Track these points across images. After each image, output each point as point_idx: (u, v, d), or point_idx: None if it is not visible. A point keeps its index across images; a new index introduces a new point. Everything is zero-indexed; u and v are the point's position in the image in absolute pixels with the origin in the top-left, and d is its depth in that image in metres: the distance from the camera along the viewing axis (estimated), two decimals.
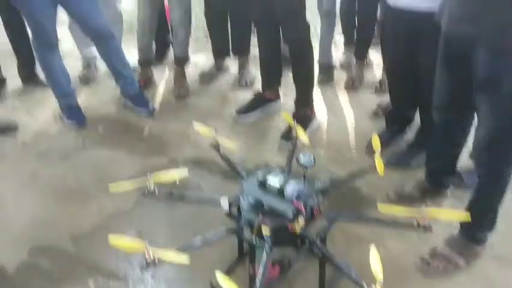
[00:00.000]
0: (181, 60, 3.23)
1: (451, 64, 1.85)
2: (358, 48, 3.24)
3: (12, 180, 2.46)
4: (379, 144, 1.84)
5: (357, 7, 3.17)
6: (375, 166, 1.74)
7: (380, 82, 3.14)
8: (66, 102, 2.89)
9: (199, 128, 1.98)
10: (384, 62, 3.06)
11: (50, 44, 2.70)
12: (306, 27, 2.61)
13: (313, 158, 1.70)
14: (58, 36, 2.72)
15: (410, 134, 2.57)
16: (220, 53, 3.40)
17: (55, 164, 2.57)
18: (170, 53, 3.57)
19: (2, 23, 3.09)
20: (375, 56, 3.44)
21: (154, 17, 3.12)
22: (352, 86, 3.20)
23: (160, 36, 3.46)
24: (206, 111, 3.06)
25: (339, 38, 3.65)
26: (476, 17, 1.63)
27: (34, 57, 3.09)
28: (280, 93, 3.03)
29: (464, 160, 2.18)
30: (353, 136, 2.75)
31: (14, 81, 3.31)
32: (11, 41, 3.21)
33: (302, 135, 1.96)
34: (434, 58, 1.92)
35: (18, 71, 3.31)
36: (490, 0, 1.57)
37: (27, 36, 3.02)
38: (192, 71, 3.46)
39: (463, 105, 1.88)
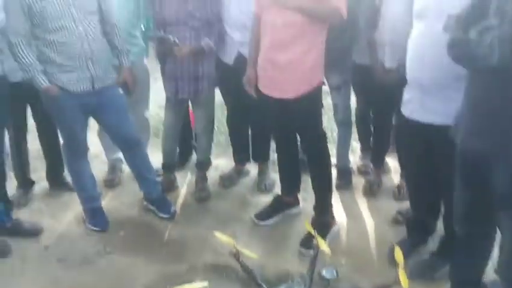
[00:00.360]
0: (203, 165, 3.35)
1: (468, 178, 1.88)
2: (375, 155, 3.32)
3: (32, 284, 2.47)
4: (402, 257, 1.82)
5: (371, 115, 3.31)
6: (399, 280, 1.71)
7: (399, 188, 3.17)
8: (90, 206, 2.96)
9: (220, 236, 2.00)
10: (401, 168, 3.13)
11: (80, 152, 2.84)
12: (323, 136, 2.72)
13: (336, 272, 1.69)
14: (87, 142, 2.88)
15: (433, 242, 2.54)
16: (240, 159, 3.51)
17: (75, 269, 2.58)
18: (193, 157, 3.70)
19: (35, 126, 3.28)
20: (392, 161, 3.50)
21: (179, 124, 3.29)
22: (370, 191, 3.23)
23: (184, 141, 3.61)
24: (226, 215, 3.10)
25: (355, 142, 3.75)
26: (491, 133, 1.70)
27: (63, 161, 3.23)
28: (300, 198, 3.07)
29: (490, 272, 2.13)
30: (374, 243, 2.73)
31: (41, 183, 3.42)
32: (42, 145, 3.36)
33: (323, 246, 1.95)
34: (451, 169, 1.97)
35: (47, 174, 3.43)
36: (503, 116, 1.64)
37: (58, 142, 3.18)
38: (213, 174, 3.55)
39: (484, 218, 1.88)
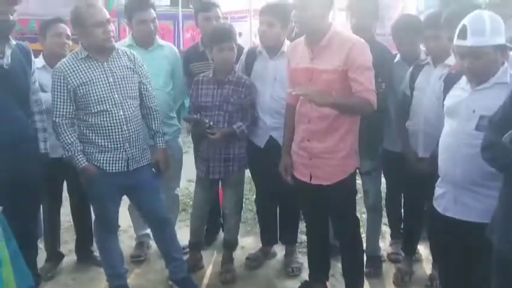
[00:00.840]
0: (230, 245, 3.31)
1: (505, 279, 1.82)
2: (406, 242, 3.23)
3: None
4: None
5: (402, 201, 3.27)
6: None
7: (431, 278, 3.05)
8: (116, 283, 2.94)
9: None
10: (434, 258, 3.04)
11: (111, 229, 2.88)
12: (356, 221, 2.72)
13: None
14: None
15: None
16: (268, 241, 3.47)
17: None
18: (220, 235, 3.69)
19: (68, 200, 3.36)
20: (424, 249, 3.40)
21: (209, 203, 3.30)
22: (401, 281, 3.11)
23: (212, 219, 3.61)
24: None
25: (385, 227, 3.68)
26: None
27: (92, 236, 3.26)
28: (328, 285, 2.98)
29: None
30: None
31: (69, 256, 3.45)
32: (73, 218, 3.43)
33: None
34: (488, 268, 1.91)
35: (76, 248, 3.46)
36: None
37: (90, 216, 3.24)
38: (239, 253, 3.51)
39: None
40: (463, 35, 2.01)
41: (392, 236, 3.52)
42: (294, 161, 2.70)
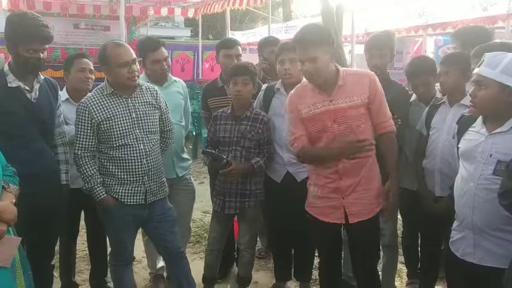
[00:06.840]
0: (244, 281, 3.30)
1: None
2: (423, 283, 3.17)
3: None
4: None
5: (419, 241, 3.22)
6: None
7: None
8: None
9: None
10: None
11: (126, 260, 2.90)
12: (377, 259, 2.75)
13: None
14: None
15: None
16: (282, 276, 3.42)
17: None
18: (233, 269, 3.67)
19: (84, 229, 3.39)
20: None
21: (225, 238, 3.30)
22: None
23: (226, 253, 3.58)
24: None
25: (402, 266, 3.62)
26: None
27: (107, 266, 3.26)
28: None
29: None
30: None
31: (84, 286, 3.45)
32: (89, 248, 3.44)
33: None
34: None
35: (90, 278, 3.46)
36: None
37: (106, 247, 3.25)
38: None
39: None
40: (479, 64, 2.05)
41: (408, 275, 3.45)
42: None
